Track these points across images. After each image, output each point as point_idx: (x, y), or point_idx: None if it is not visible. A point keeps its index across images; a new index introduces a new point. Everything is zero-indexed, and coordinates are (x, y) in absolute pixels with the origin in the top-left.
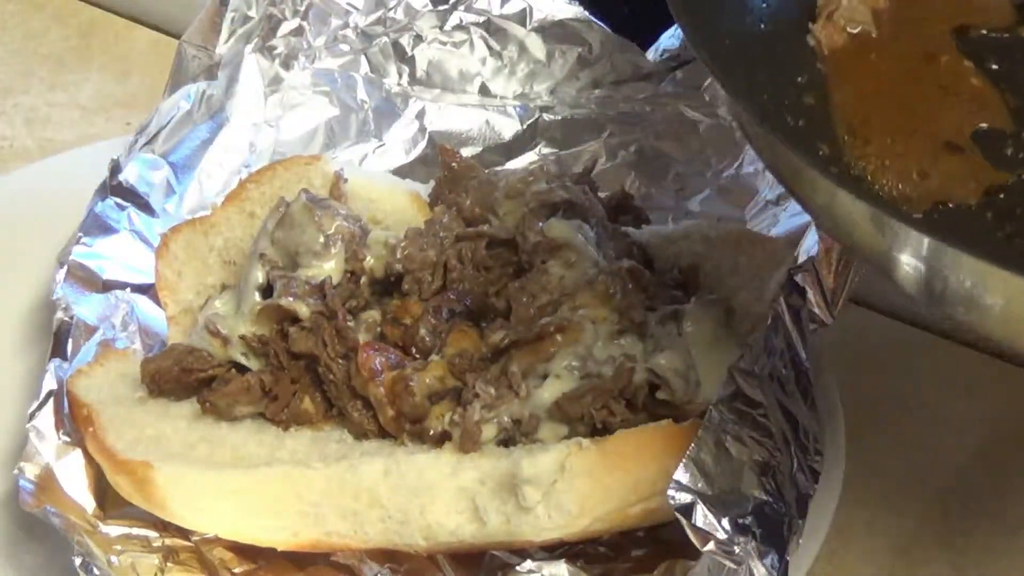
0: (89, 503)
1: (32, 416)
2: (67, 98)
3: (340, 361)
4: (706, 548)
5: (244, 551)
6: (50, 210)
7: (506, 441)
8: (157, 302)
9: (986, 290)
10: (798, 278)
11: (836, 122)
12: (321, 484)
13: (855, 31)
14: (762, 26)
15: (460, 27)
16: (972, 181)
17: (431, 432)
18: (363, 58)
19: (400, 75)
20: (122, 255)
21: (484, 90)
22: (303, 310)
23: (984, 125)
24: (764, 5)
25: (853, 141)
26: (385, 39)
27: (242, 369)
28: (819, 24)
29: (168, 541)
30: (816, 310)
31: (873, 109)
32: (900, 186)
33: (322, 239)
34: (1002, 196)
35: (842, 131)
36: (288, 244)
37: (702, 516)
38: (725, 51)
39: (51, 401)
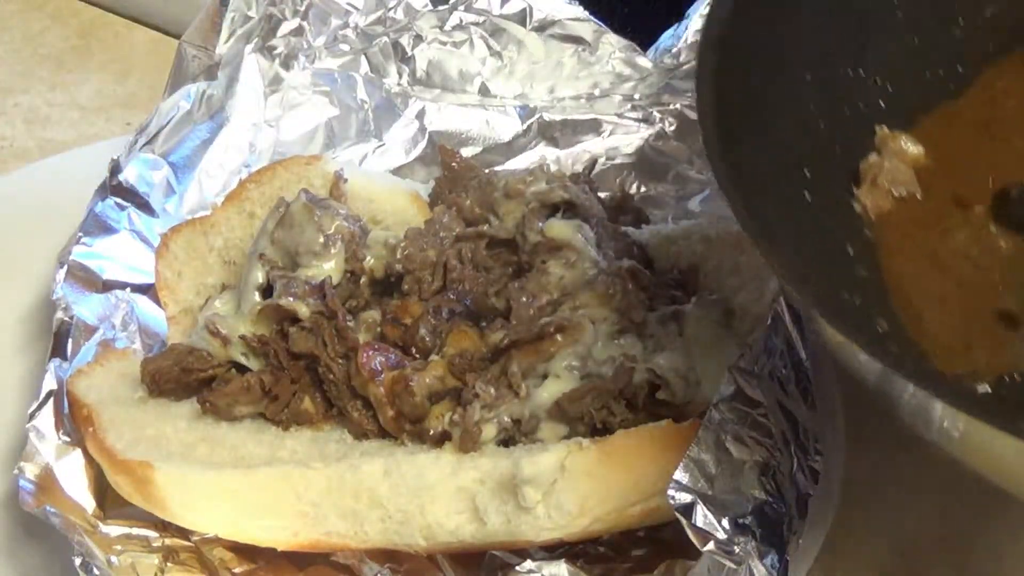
0: (89, 503)
1: (32, 416)
2: (67, 98)
3: (340, 361)
4: (706, 548)
5: (244, 551)
6: (50, 210)
7: (506, 441)
8: (157, 302)
9: None
10: None
11: (890, 294)
12: (321, 484)
13: (900, 194)
14: (807, 196)
15: (460, 27)
16: None
17: (431, 432)
18: (363, 58)
19: (400, 75)
20: (122, 255)
21: (484, 90)
22: (303, 310)
23: None
24: (808, 175)
25: (907, 314)
26: (385, 39)
27: (242, 369)
28: (864, 189)
29: (168, 541)
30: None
31: (923, 279)
32: (960, 359)
33: (322, 239)
34: None
35: (897, 304)
36: (288, 244)
37: (702, 516)
38: (773, 227)
39: (51, 401)
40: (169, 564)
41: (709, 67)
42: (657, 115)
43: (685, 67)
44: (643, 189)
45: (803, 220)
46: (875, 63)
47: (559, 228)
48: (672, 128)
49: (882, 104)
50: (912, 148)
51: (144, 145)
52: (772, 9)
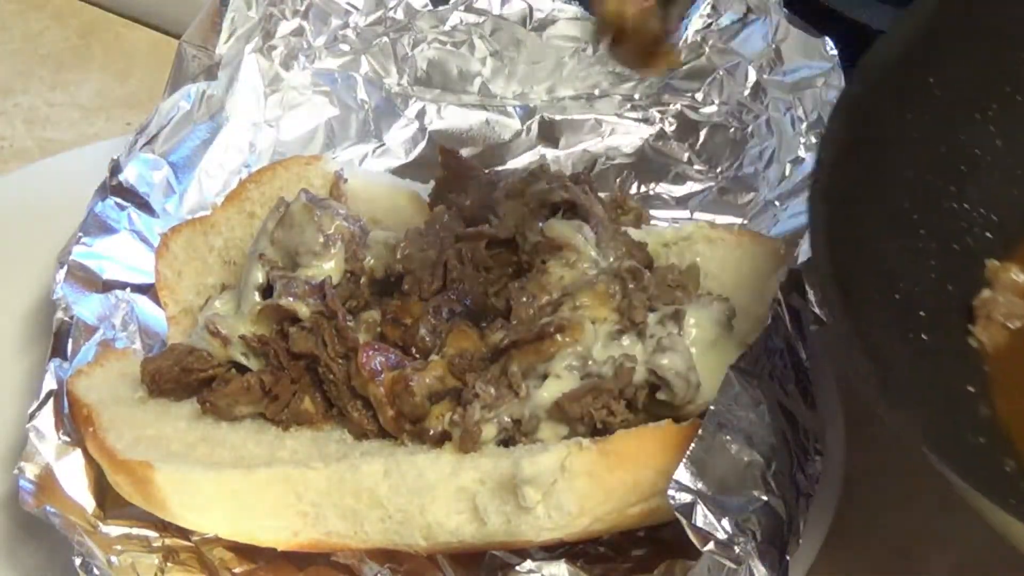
0: (89, 503)
1: (32, 416)
2: (67, 98)
3: (340, 361)
4: (706, 548)
5: (244, 551)
6: (50, 210)
7: (506, 441)
8: (157, 302)
9: None
10: (798, 278)
11: (1012, 432)
12: (321, 484)
13: (1016, 327)
14: (924, 337)
15: (460, 27)
16: None
17: (431, 432)
18: (363, 58)
19: (400, 75)
20: (122, 255)
21: (484, 90)
22: (303, 310)
23: None
24: (922, 314)
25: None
26: (385, 39)
27: (242, 369)
28: (979, 325)
29: (168, 541)
30: (816, 310)
31: None
32: None
33: (322, 239)
34: None
35: (1020, 441)
36: (288, 244)
37: (702, 516)
38: (894, 374)
39: (51, 401)
40: (169, 564)
41: (822, 219)
42: (657, 115)
43: (685, 67)
44: (643, 189)
45: (922, 363)
46: (978, 194)
47: (559, 228)
48: (672, 128)
49: (989, 235)
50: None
51: (144, 145)
52: (875, 150)
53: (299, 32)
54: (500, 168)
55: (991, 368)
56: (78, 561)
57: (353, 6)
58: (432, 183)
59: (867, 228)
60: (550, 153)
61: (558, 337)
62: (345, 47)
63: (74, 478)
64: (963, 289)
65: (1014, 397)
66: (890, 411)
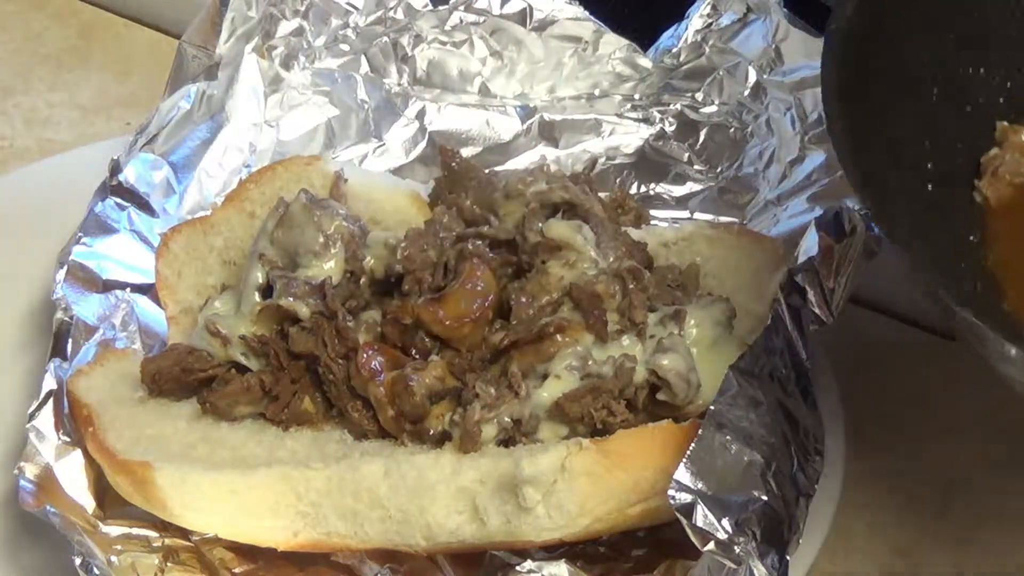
0: (89, 503)
1: (32, 416)
2: (67, 98)
3: (340, 361)
4: (706, 548)
5: (244, 551)
6: (50, 210)
7: (506, 441)
8: (157, 302)
9: None
10: (798, 278)
11: (1007, 281)
12: (321, 484)
13: (1019, 182)
14: (929, 187)
15: (460, 27)
16: None
17: (431, 432)
18: (363, 58)
19: (400, 75)
20: (122, 255)
21: (484, 90)
22: (303, 310)
23: None
24: (930, 167)
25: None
26: (385, 39)
27: (242, 369)
28: (985, 180)
29: (168, 541)
30: (816, 310)
31: None
32: None
33: (322, 239)
34: None
35: (1012, 290)
36: (288, 244)
37: (702, 516)
38: (901, 220)
39: (51, 401)
40: (169, 564)
41: (833, 78)
42: (657, 115)
43: (685, 67)
44: (643, 189)
45: (928, 212)
46: (996, 62)
47: (559, 228)
48: (672, 128)
49: (1001, 100)
50: None
51: (144, 145)
52: (893, 7)
53: (299, 32)
54: (500, 168)
55: (992, 221)
56: (78, 561)
57: (353, 6)
58: (432, 183)
59: (879, 86)
60: (550, 153)
61: (558, 337)
62: (345, 47)
63: (74, 478)
64: (971, 147)
65: (1013, 248)
66: (901, 248)
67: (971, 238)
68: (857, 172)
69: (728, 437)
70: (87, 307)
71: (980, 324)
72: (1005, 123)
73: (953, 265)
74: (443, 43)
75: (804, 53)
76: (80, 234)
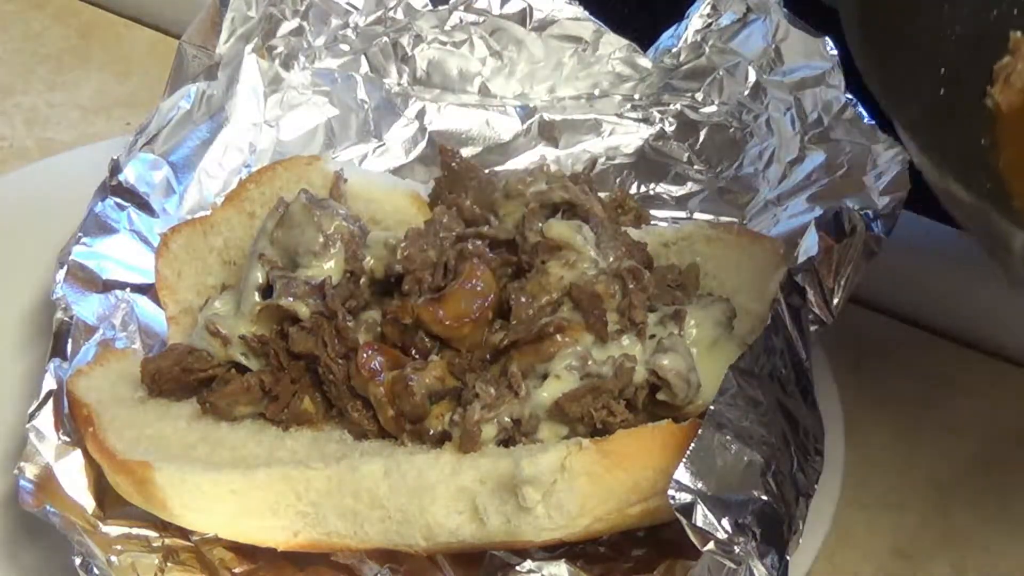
0: (89, 503)
1: (32, 416)
2: (67, 98)
3: (340, 361)
4: (706, 548)
5: (244, 551)
6: (50, 210)
7: (506, 441)
8: (157, 302)
9: None
10: (798, 278)
11: (1014, 183)
12: (321, 484)
13: None
14: (942, 92)
15: (460, 27)
16: None
17: (431, 432)
18: (363, 58)
19: (400, 75)
20: (122, 255)
21: (484, 90)
22: (303, 310)
23: None
24: (943, 71)
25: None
26: (385, 39)
27: (242, 369)
28: (997, 87)
29: (168, 541)
30: (816, 310)
31: None
32: None
33: (322, 239)
34: None
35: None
36: (288, 244)
37: (702, 516)
38: (915, 117)
39: (51, 401)
40: (169, 564)
41: None
42: (657, 115)
43: (685, 67)
44: (643, 189)
45: (941, 114)
46: None
47: (559, 228)
48: (672, 128)
49: (1015, 12)
50: None
51: (144, 145)
52: None
53: (299, 32)
54: (500, 168)
55: (1002, 125)
56: (78, 561)
57: (353, 6)
58: (432, 183)
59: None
60: (550, 153)
61: (558, 337)
62: (345, 47)
63: (74, 478)
64: (984, 55)
65: (1021, 151)
66: (914, 139)
67: (982, 141)
68: (873, 73)
69: (728, 437)
70: (87, 307)
71: (989, 208)
72: (1018, 33)
73: (965, 164)
74: (443, 43)
75: (804, 53)
76: (80, 234)
